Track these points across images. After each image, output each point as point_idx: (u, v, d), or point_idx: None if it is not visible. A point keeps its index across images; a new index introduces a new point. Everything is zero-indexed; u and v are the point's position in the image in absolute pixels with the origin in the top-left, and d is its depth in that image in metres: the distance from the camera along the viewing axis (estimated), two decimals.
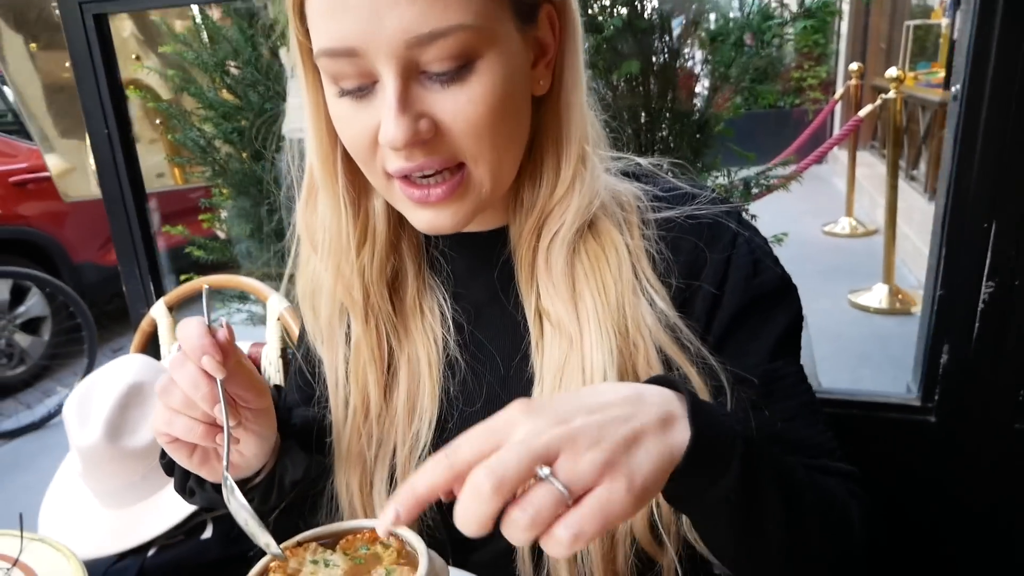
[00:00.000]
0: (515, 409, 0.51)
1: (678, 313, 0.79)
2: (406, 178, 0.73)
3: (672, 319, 0.78)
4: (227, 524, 1.49)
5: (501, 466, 0.46)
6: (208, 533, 1.45)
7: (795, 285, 0.82)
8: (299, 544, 0.78)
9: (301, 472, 0.91)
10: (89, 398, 1.50)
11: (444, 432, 0.91)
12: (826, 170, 8.14)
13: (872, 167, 7.31)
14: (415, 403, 0.91)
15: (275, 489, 0.91)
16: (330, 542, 0.78)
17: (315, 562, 0.75)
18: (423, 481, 0.49)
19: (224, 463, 0.77)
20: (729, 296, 0.79)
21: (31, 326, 4.38)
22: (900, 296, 4.59)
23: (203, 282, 1.87)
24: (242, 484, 0.91)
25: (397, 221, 0.86)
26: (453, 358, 0.90)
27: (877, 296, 4.59)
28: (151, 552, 1.41)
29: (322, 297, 0.93)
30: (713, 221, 0.80)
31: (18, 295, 4.33)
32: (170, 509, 1.45)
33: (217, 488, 0.86)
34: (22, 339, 4.29)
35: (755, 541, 0.62)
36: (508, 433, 0.49)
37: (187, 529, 1.46)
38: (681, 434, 0.53)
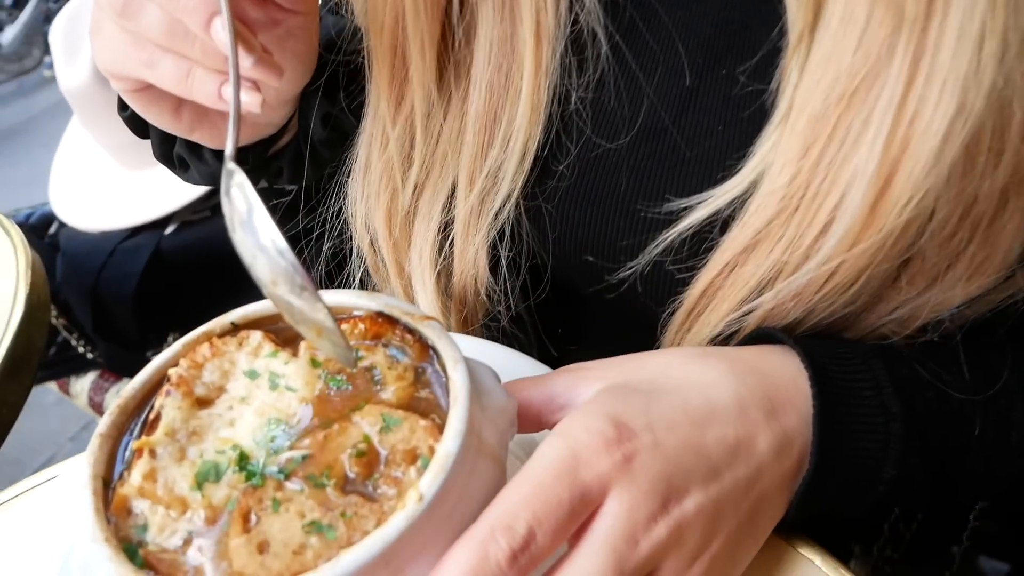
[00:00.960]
0: (602, 436, 0.33)
1: None
2: None
3: None
4: (267, 199, 1.17)
5: None
6: None
7: None
8: (233, 328, 0.41)
9: (326, 128, 0.54)
10: (78, 24, 1.12)
11: (547, 179, 0.48)
12: None
13: None
14: (498, 112, 0.48)
15: (306, 160, 0.56)
16: (290, 331, 0.41)
17: (252, 374, 0.38)
18: None
19: (230, 137, 0.37)
20: None
21: None
22: None
23: None
24: (260, 148, 0.55)
25: None
26: (585, 34, 0.47)
27: None
28: (169, 229, 1.13)
29: None
30: None
31: None
32: None
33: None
34: None
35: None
36: (597, 494, 0.32)
37: (214, 204, 1.15)
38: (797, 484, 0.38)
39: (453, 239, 0.50)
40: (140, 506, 0.33)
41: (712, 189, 0.42)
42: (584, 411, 0.34)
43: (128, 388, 0.37)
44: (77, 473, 0.34)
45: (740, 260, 0.42)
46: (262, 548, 0.31)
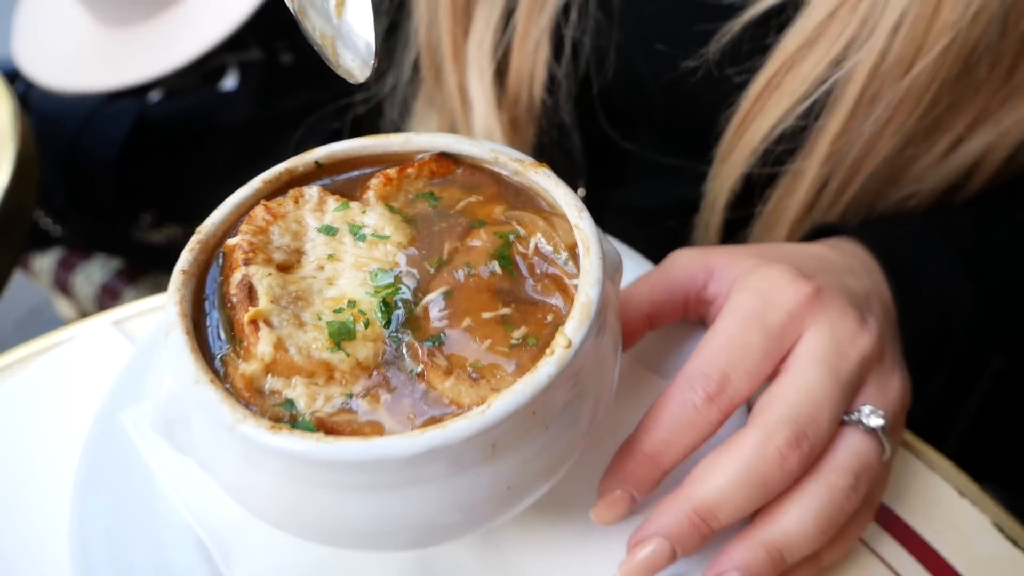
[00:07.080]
0: (785, 277, 0.35)
1: None
2: None
3: None
4: (260, 73, 1.08)
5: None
6: (232, 82, 1.06)
7: None
8: (317, 169, 0.37)
9: None
10: None
11: None
12: None
13: None
14: None
15: None
16: (345, 183, 0.37)
17: (329, 230, 0.34)
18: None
19: None
20: None
21: None
22: None
23: None
24: None
25: None
26: None
27: None
28: (155, 97, 1.04)
29: None
30: None
31: None
32: (183, 38, 1.03)
33: None
34: None
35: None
36: (791, 331, 0.34)
37: (205, 72, 1.06)
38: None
39: (511, 41, 0.49)
40: (272, 384, 0.30)
41: None
42: (754, 267, 0.35)
43: (207, 224, 0.34)
44: (163, 314, 0.30)
45: (799, 56, 0.42)
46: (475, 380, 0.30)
